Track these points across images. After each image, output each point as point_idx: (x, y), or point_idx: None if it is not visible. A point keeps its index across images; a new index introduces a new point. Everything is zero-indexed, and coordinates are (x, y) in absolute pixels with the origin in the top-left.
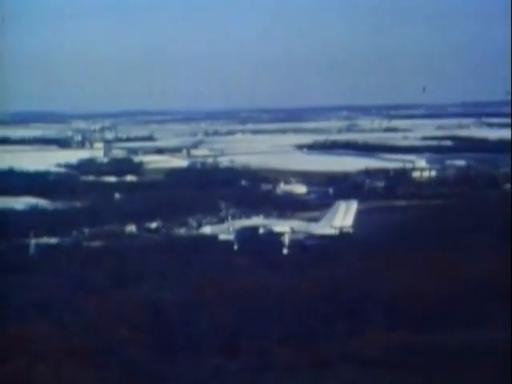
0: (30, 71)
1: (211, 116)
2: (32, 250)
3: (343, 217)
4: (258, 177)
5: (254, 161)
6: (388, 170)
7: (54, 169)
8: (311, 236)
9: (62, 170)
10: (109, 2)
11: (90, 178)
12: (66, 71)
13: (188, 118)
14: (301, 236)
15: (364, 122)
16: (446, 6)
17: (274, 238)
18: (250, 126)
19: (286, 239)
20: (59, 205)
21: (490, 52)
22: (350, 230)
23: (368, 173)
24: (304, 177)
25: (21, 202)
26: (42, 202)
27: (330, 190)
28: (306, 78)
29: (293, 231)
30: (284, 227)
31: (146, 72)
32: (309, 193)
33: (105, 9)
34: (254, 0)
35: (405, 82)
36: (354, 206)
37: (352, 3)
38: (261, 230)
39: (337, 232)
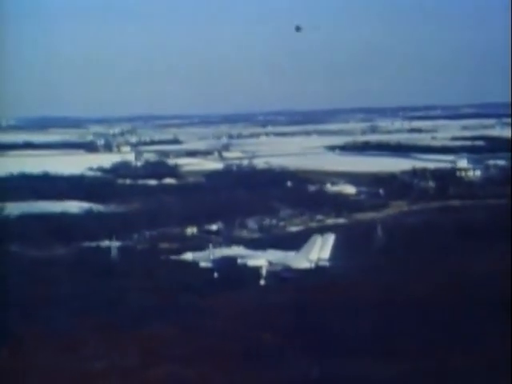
0: (41, 77)
1: (228, 119)
2: (114, 252)
3: (320, 250)
4: (301, 178)
5: (290, 162)
6: (434, 171)
7: (88, 173)
8: (288, 268)
9: (98, 173)
10: (121, 7)
11: (127, 181)
12: (77, 76)
13: (205, 121)
14: (278, 268)
15: (384, 124)
16: (459, 6)
17: (252, 269)
18: (270, 129)
19: (264, 271)
20: (112, 208)
21: (494, 54)
22: (327, 264)
23: (415, 173)
24: (349, 178)
25: (74, 207)
26: (97, 207)
27: (381, 191)
28: (318, 81)
29: (270, 264)
30: (261, 260)
31: (158, 77)
32: (359, 193)
33: (116, 13)
34: (266, 4)
35: (417, 83)
36: (331, 238)
37: (365, 5)
38: (239, 261)
39: (313, 265)
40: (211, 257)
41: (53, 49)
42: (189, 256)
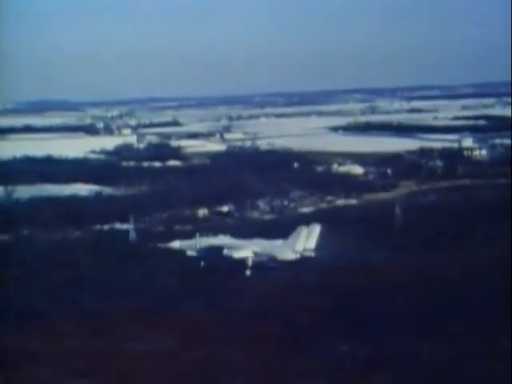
0: (38, 61)
1: (225, 101)
2: (132, 235)
3: (305, 241)
4: (307, 159)
5: (294, 143)
6: (441, 150)
7: (91, 155)
8: (273, 259)
9: (101, 156)
10: None
11: (132, 163)
12: (74, 60)
13: (202, 103)
14: (263, 258)
15: (383, 104)
16: None
17: (237, 260)
18: (269, 110)
19: (250, 261)
20: (122, 191)
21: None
22: (312, 254)
23: (422, 153)
24: (355, 158)
25: (83, 189)
26: (106, 189)
27: (389, 171)
28: (315, 63)
29: (256, 254)
30: (247, 251)
31: (154, 59)
32: (367, 174)
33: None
34: None
35: (414, 63)
36: (316, 229)
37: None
38: (225, 251)
39: (298, 256)
40: (198, 246)
41: (51, 34)
42: (176, 244)
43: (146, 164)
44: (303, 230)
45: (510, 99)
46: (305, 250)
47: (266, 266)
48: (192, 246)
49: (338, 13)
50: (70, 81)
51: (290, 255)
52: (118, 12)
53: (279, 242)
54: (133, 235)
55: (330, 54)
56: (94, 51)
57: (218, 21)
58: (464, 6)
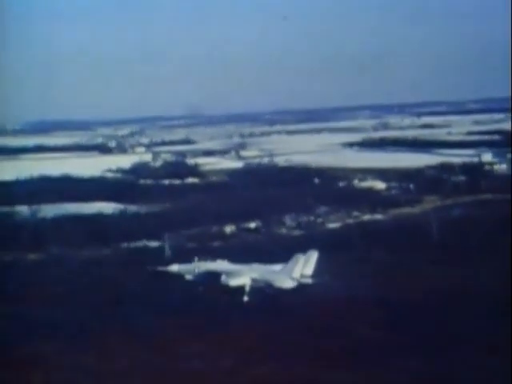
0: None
1: (234, 119)
2: (168, 252)
3: (302, 268)
4: (327, 175)
5: (311, 160)
6: (462, 165)
7: (108, 174)
8: (271, 286)
9: (118, 175)
10: (128, 9)
11: (149, 182)
12: (80, 79)
13: (211, 121)
14: (261, 284)
15: (394, 120)
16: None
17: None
18: (279, 127)
19: (247, 287)
20: (144, 209)
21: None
22: (310, 281)
23: (443, 168)
24: (376, 174)
25: (107, 208)
26: (129, 207)
27: (411, 186)
28: (322, 80)
29: (253, 281)
30: (244, 278)
31: (161, 78)
32: (389, 189)
33: (122, 15)
34: (268, 5)
35: (420, 80)
36: (314, 256)
37: (363, 5)
38: (222, 278)
39: (295, 284)
40: (196, 270)
41: (55, 51)
42: (175, 268)
43: (164, 182)
44: (300, 257)
45: None
46: (302, 276)
47: (264, 293)
48: (190, 270)
49: (340, 29)
50: (75, 100)
51: (287, 282)
52: (126, 27)
53: (278, 267)
54: (168, 252)
55: (337, 70)
56: (100, 69)
57: (224, 39)
58: (467, 16)
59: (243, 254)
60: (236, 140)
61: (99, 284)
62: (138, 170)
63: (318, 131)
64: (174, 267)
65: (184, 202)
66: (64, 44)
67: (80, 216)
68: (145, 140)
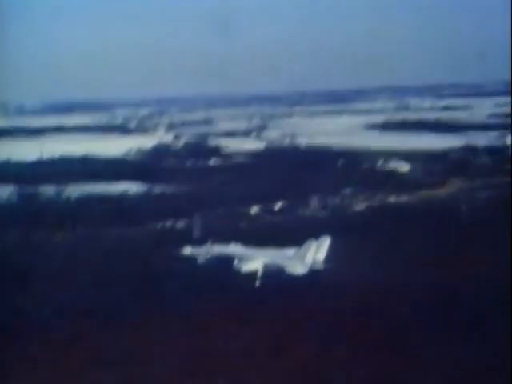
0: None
1: (253, 101)
2: (196, 232)
3: (315, 254)
4: (351, 157)
5: (334, 141)
6: (486, 147)
7: (130, 154)
8: (283, 271)
9: (139, 155)
10: None
11: (172, 162)
12: (97, 60)
13: (230, 103)
14: (273, 269)
15: (414, 102)
16: None
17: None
18: (299, 109)
19: (260, 272)
20: (168, 189)
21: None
22: (321, 267)
23: (467, 150)
24: (399, 155)
25: (132, 188)
26: (154, 188)
27: (436, 168)
28: (340, 62)
29: (266, 266)
30: (257, 263)
31: (179, 59)
32: (414, 171)
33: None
34: None
35: (439, 62)
36: (326, 242)
37: None
38: (235, 262)
39: (307, 270)
40: (209, 254)
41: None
42: (187, 250)
43: (187, 163)
44: (313, 243)
45: None
46: (315, 262)
47: (277, 278)
48: (203, 253)
49: (357, 12)
50: (93, 81)
51: (299, 268)
52: (142, 9)
53: (291, 252)
54: (197, 232)
55: (355, 52)
56: (116, 51)
57: (242, 21)
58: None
59: (268, 235)
60: (256, 121)
61: (126, 264)
62: (160, 150)
63: (339, 113)
64: (187, 250)
65: (208, 183)
66: (81, 25)
67: (106, 196)
68: (165, 121)
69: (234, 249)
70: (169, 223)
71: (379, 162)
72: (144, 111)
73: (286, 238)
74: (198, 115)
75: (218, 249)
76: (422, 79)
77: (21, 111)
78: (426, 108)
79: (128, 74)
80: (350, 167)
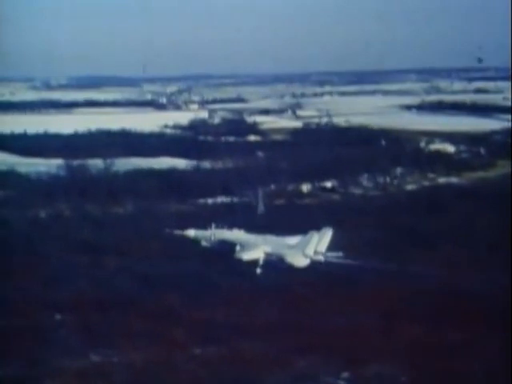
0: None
1: (281, 79)
2: (261, 208)
3: (316, 246)
4: (393, 137)
5: (372, 121)
6: None
7: (166, 130)
8: (283, 260)
9: (177, 131)
10: None
11: (209, 138)
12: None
13: (259, 81)
14: (274, 258)
15: (444, 84)
16: None
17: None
18: (329, 88)
19: (261, 260)
20: (215, 165)
21: None
22: (322, 259)
23: (509, 132)
24: (442, 136)
25: (180, 163)
26: (202, 163)
27: (481, 150)
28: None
29: (267, 254)
30: (259, 251)
31: (207, 36)
32: (459, 152)
33: None
34: None
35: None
36: (328, 233)
37: None
38: (237, 249)
39: (307, 261)
40: (212, 238)
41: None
42: (191, 233)
43: (226, 139)
44: (314, 235)
45: None
46: (316, 253)
47: (277, 267)
48: (207, 237)
49: None
50: (118, 57)
51: (298, 259)
52: None
53: (294, 240)
54: (261, 208)
55: (381, 33)
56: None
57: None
58: None
59: (323, 212)
60: (288, 100)
61: (178, 238)
62: (197, 126)
63: (371, 93)
64: (191, 232)
65: (253, 160)
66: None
67: (154, 171)
68: (195, 97)
69: (236, 235)
70: (221, 199)
71: (422, 143)
72: (172, 87)
73: (344, 216)
74: (228, 92)
75: (221, 234)
76: (448, 61)
77: (47, 86)
78: (457, 90)
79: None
80: (395, 147)
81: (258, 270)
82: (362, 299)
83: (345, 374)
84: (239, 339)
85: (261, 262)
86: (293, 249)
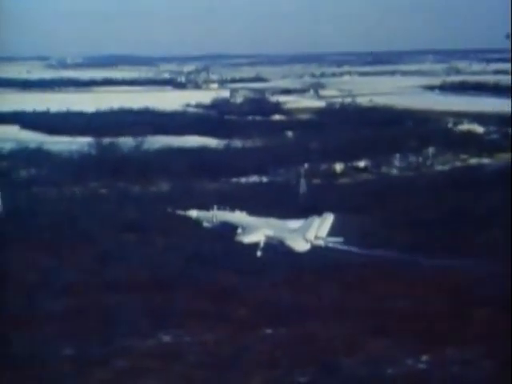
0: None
1: (298, 59)
2: (303, 188)
3: (317, 230)
4: (420, 117)
5: (396, 101)
6: None
7: (189, 109)
8: (283, 244)
9: (199, 110)
10: None
11: (233, 117)
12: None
13: (276, 61)
14: (275, 241)
15: (462, 65)
16: None
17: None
18: (348, 68)
19: (262, 243)
20: (249, 144)
21: None
22: (322, 244)
23: None
24: (470, 117)
25: (211, 142)
26: (235, 142)
27: (510, 131)
28: (384, 23)
29: (268, 237)
30: (259, 234)
31: (222, 16)
32: (488, 133)
33: None
34: None
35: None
36: (330, 218)
37: None
38: (238, 231)
39: (307, 246)
40: (214, 220)
41: None
42: (193, 213)
43: (251, 118)
44: (315, 221)
45: None
46: (316, 238)
47: (278, 251)
48: (208, 218)
49: None
50: (132, 36)
51: (299, 243)
52: None
53: (296, 224)
54: (304, 188)
55: (399, 13)
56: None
57: None
58: None
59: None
60: (308, 79)
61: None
62: (220, 105)
63: (391, 73)
64: (193, 213)
65: (282, 139)
66: None
67: (184, 149)
68: (214, 77)
69: (238, 217)
70: (253, 178)
71: (449, 124)
72: (189, 67)
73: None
74: (246, 72)
75: (223, 216)
76: (466, 43)
77: (63, 65)
78: (476, 72)
79: (167, 30)
80: (423, 128)
81: (259, 253)
82: (427, 284)
83: (424, 357)
84: (307, 321)
85: (261, 244)
86: (294, 233)
